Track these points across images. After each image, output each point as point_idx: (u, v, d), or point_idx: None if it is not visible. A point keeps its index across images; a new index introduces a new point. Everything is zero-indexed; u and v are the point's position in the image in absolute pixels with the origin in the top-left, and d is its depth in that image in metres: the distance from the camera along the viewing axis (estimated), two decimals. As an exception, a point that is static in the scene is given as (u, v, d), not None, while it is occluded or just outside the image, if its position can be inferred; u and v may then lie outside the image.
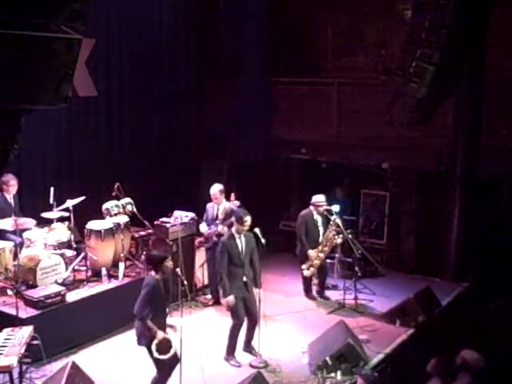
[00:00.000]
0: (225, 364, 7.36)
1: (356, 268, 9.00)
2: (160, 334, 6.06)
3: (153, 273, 6.30)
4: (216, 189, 8.78)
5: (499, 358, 6.13)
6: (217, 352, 7.47)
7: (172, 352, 6.09)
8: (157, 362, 6.17)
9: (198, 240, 9.38)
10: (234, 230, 7.40)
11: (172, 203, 9.70)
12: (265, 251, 7.62)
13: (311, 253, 9.07)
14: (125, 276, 8.36)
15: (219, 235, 8.56)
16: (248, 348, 7.56)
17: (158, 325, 6.11)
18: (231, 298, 7.22)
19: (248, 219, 7.31)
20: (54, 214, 8.29)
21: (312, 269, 9.13)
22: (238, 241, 7.35)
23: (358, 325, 8.24)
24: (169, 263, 6.24)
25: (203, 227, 8.92)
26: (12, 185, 8.44)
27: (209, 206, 8.93)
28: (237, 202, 9.13)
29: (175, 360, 6.20)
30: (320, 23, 11.82)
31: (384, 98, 10.11)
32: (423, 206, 10.96)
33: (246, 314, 7.36)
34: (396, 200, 11.20)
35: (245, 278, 7.34)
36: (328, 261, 9.66)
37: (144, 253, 8.93)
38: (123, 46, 10.72)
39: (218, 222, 8.77)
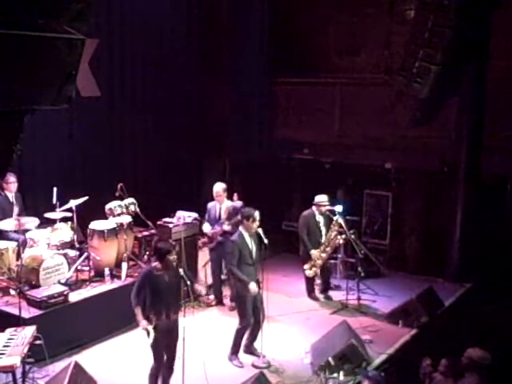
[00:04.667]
0: (228, 364, 7.36)
1: (359, 268, 8.96)
2: (143, 323, 6.09)
3: (153, 264, 6.36)
4: (219, 187, 8.75)
5: (502, 359, 6.12)
6: (219, 352, 7.47)
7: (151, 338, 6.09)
8: (151, 348, 6.23)
9: (201, 240, 9.36)
10: (242, 229, 7.30)
11: (175, 203, 9.70)
12: (267, 251, 7.60)
13: (313, 253, 9.05)
14: (128, 276, 8.35)
15: (224, 234, 8.56)
16: (250, 350, 7.52)
17: (157, 314, 6.13)
18: (253, 285, 7.12)
19: (258, 215, 7.25)
20: (56, 214, 8.29)
21: (314, 269, 9.12)
22: (248, 240, 7.27)
23: (360, 325, 8.23)
24: (172, 257, 6.25)
25: (206, 227, 8.87)
26: (11, 182, 8.41)
27: (210, 205, 8.89)
28: (239, 202, 9.12)
29: (163, 347, 6.23)
30: (322, 23, 11.80)
31: (386, 98, 10.09)
32: (426, 207, 10.94)
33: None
34: (399, 200, 11.18)
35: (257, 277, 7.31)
36: (331, 261, 9.65)
37: (147, 253, 8.95)
38: (126, 47, 10.72)
39: (221, 221, 8.74)
